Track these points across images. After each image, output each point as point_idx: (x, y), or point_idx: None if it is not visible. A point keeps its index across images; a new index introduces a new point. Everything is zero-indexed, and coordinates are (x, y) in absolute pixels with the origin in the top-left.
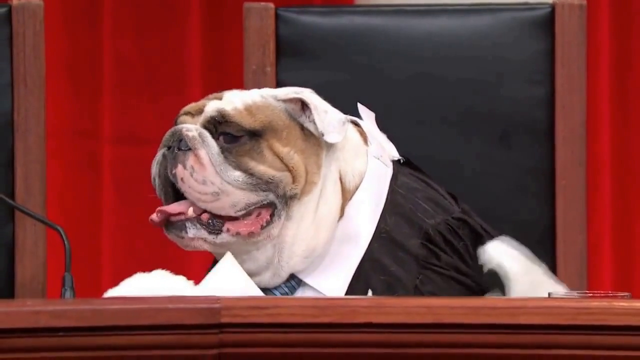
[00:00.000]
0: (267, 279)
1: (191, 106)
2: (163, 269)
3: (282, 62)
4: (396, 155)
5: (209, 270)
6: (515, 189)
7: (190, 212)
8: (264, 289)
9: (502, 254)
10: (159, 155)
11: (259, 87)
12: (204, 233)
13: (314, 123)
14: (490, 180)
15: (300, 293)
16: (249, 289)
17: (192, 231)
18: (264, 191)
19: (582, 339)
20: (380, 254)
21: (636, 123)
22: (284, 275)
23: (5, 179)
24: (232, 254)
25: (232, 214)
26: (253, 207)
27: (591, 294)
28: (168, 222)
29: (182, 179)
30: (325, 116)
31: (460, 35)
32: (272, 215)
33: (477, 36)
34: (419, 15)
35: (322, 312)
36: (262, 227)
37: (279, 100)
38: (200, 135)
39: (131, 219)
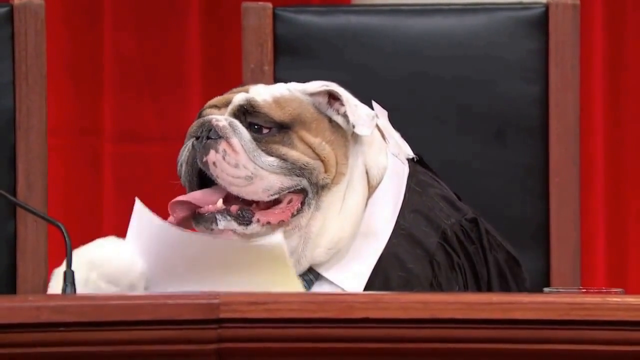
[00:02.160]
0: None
1: (217, 99)
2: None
3: (280, 60)
4: (411, 154)
5: None
6: (510, 186)
7: (220, 204)
8: None
9: None
10: (188, 145)
11: None
12: (233, 224)
13: (343, 116)
14: (486, 177)
15: (318, 287)
16: (164, 228)
17: (222, 223)
18: (297, 176)
19: (576, 334)
20: (399, 250)
21: (629, 121)
22: (305, 265)
23: (7, 176)
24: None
25: (265, 198)
26: (286, 191)
27: (585, 290)
28: (196, 215)
29: (214, 163)
30: (356, 109)
31: (455, 35)
32: (302, 204)
33: (472, 35)
34: (414, 14)
35: (320, 308)
36: (292, 216)
37: (306, 93)
38: (230, 124)
39: (131, 215)
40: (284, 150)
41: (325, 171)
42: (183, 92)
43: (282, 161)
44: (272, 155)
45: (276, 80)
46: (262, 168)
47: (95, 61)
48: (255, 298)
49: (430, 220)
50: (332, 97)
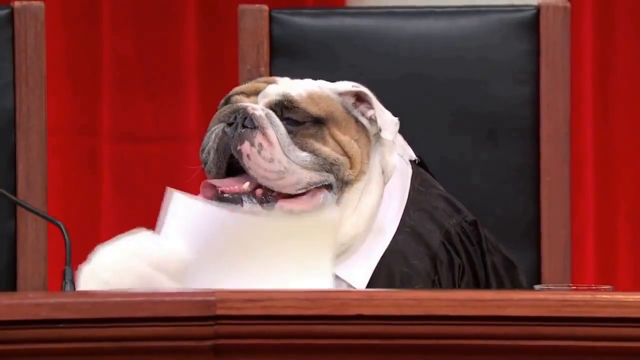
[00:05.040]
0: None
1: (245, 87)
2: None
3: (276, 62)
4: (413, 155)
5: None
6: (502, 185)
7: (246, 186)
8: None
9: None
10: (217, 130)
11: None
12: (257, 207)
13: (369, 118)
14: (477, 176)
15: None
16: (209, 210)
17: (248, 205)
18: (326, 172)
19: (566, 330)
20: (404, 247)
21: (618, 121)
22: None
23: (8, 175)
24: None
25: (293, 192)
26: (313, 186)
27: (574, 287)
28: (220, 196)
29: (248, 155)
30: (382, 114)
31: (448, 37)
32: (325, 197)
33: (464, 37)
34: (408, 17)
35: (314, 305)
36: (314, 207)
37: (336, 92)
38: (267, 115)
39: (129, 214)
40: (316, 145)
41: (351, 168)
42: (180, 93)
43: (314, 157)
44: (305, 150)
45: None
46: (294, 162)
47: (94, 62)
48: (251, 295)
49: (434, 219)
50: (359, 98)
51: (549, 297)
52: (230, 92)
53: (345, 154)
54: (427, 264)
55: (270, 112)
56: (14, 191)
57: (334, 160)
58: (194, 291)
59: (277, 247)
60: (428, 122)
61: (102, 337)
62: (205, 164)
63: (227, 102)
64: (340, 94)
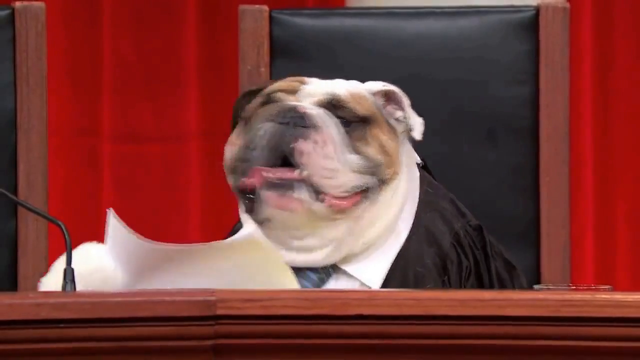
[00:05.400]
0: (320, 257)
1: (283, 84)
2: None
3: (276, 62)
4: (418, 158)
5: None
6: (501, 185)
7: (297, 173)
8: (296, 269)
9: None
10: (268, 128)
11: (254, 87)
12: (305, 195)
13: (398, 119)
14: (477, 176)
15: (334, 281)
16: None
17: (297, 192)
18: (370, 175)
19: (566, 330)
20: (418, 246)
21: (617, 122)
22: (342, 254)
23: (8, 175)
24: (298, 228)
25: (336, 193)
26: (355, 190)
27: (574, 287)
28: (270, 183)
29: (304, 152)
30: (412, 113)
31: (447, 37)
32: (363, 197)
33: (464, 38)
34: (407, 17)
35: (314, 305)
36: (353, 205)
37: (370, 92)
38: (321, 113)
39: (130, 214)
40: (363, 147)
41: (389, 167)
42: (180, 93)
43: (362, 159)
44: (354, 152)
45: None
46: (344, 164)
47: (94, 63)
48: (251, 295)
49: (445, 220)
50: (388, 97)
51: (548, 297)
52: (267, 90)
53: (385, 153)
54: (438, 263)
55: (324, 110)
56: (15, 191)
57: (378, 161)
58: (194, 291)
59: (218, 272)
60: (428, 122)
61: (103, 336)
62: (245, 161)
63: (267, 100)
64: (374, 94)
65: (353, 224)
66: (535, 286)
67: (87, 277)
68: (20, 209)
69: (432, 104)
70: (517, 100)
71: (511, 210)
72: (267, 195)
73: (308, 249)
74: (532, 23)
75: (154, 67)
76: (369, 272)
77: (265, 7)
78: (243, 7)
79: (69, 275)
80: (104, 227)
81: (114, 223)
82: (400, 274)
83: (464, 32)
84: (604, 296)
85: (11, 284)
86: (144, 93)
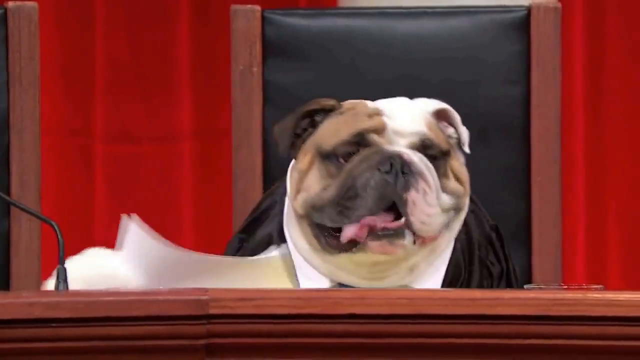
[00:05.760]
0: (392, 283)
1: (371, 124)
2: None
3: (269, 62)
4: None
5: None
6: (493, 184)
7: (404, 221)
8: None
9: None
10: (377, 178)
11: (247, 86)
12: (409, 241)
13: (450, 136)
14: (469, 176)
15: None
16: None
17: (407, 238)
18: (454, 210)
19: (557, 329)
20: (462, 255)
21: (609, 121)
22: (412, 279)
23: (1, 175)
24: (388, 268)
25: (429, 234)
26: (443, 228)
27: (565, 286)
28: (381, 233)
29: (414, 202)
30: (462, 128)
31: (440, 37)
32: (444, 228)
33: (456, 38)
34: (400, 17)
35: (307, 304)
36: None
37: (431, 114)
38: (420, 160)
39: (123, 213)
40: (446, 183)
41: (465, 197)
42: (173, 93)
43: (450, 197)
44: (444, 192)
45: (265, 81)
46: (440, 206)
47: (87, 63)
48: (244, 294)
49: (478, 220)
50: (440, 115)
51: (540, 296)
52: (361, 130)
53: (460, 182)
54: (476, 267)
55: (422, 156)
56: (8, 191)
57: (460, 194)
58: (187, 290)
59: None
60: None
61: (96, 336)
62: (346, 207)
63: (359, 142)
64: (431, 114)
65: (432, 249)
66: (527, 285)
67: (96, 283)
68: (13, 209)
69: None
70: (508, 100)
71: (503, 209)
72: (373, 245)
73: (382, 278)
74: (523, 23)
75: (147, 67)
76: (430, 284)
77: (258, 7)
78: (235, 7)
79: (61, 274)
80: (98, 226)
81: (135, 230)
82: (449, 282)
83: (455, 32)
84: (595, 295)
85: (4, 284)
86: (136, 93)
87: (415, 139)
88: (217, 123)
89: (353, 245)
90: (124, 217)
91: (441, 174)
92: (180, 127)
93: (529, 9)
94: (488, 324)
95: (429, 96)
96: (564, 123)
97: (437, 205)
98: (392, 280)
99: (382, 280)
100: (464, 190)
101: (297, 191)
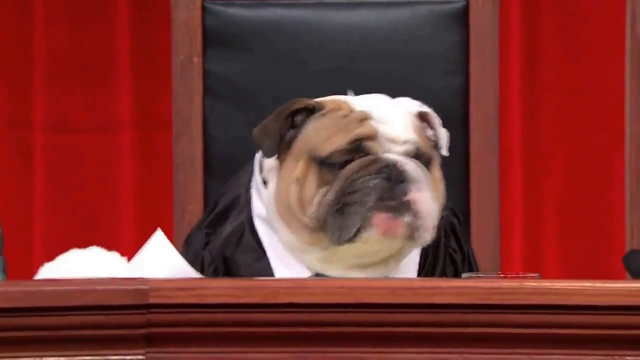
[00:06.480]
0: (375, 274)
1: (365, 132)
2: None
3: (209, 52)
4: None
5: None
6: None
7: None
8: None
9: None
10: (377, 184)
11: (187, 76)
12: (410, 220)
13: (429, 137)
14: None
15: None
16: (180, 266)
17: (408, 217)
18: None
19: (495, 317)
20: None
21: (545, 112)
22: (390, 270)
23: None
24: (392, 256)
25: (428, 235)
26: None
27: (502, 275)
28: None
29: (416, 201)
30: (442, 130)
31: (379, 28)
32: None
33: (395, 29)
34: (340, 8)
35: (246, 293)
36: None
37: (413, 114)
38: (416, 167)
39: (62, 204)
40: (434, 193)
41: (442, 206)
42: (113, 84)
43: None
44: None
45: (205, 71)
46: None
47: (25, 52)
48: (184, 284)
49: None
50: (423, 118)
51: (477, 284)
52: (356, 137)
53: (437, 189)
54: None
55: (418, 164)
56: None
57: (440, 205)
58: (126, 279)
59: None
60: None
61: (35, 325)
62: (337, 203)
63: (357, 149)
64: (414, 115)
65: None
66: (464, 274)
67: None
68: None
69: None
70: (447, 91)
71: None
72: (378, 218)
73: (368, 266)
74: (462, 14)
75: (86, 57)
76: (409, 274)
77: None
78: None
79: (0, 265)
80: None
81: (159, 236)
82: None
83: (395, 24)
84: (531, 284)
85: None
86: (76, 83)
87: (410, 147)
88: (157, 113)
89: (355, 235)
90: (159, 232)
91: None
92: (120, 117)
93: (467, 1)
94: (426, 313)
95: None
96: (502, 114)
97: (432, 204)
98: (375, 270)
99: (365, 269)
100: (440, 201)
101: (302, 205)
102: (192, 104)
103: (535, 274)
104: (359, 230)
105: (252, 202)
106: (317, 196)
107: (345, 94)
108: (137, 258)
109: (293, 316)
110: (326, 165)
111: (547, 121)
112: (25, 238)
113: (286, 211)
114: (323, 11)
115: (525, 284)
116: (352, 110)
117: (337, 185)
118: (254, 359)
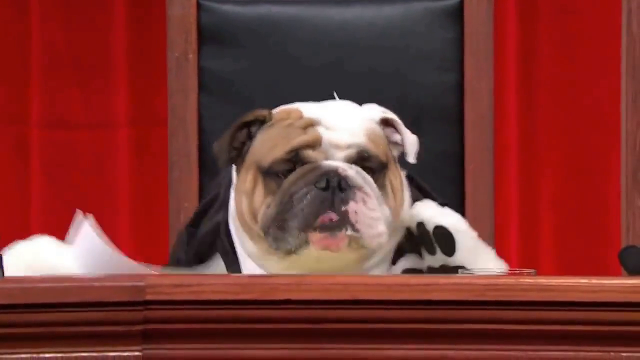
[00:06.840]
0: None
1: (305, 140)
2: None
3: (204, 49)
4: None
5: None
6: (427, 172)
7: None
8: None
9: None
10: (313, 194)
11: (182, 73)
12: (352, 234)
13: (396, 142)
14: (403, 163)
15: None
16: (113, 257)
17: (348, 230)
18: (392, 231)
19: (491, 314)
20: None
21: (541, 109)
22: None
23: None
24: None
25: (378, 240)
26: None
27: (499, 272)
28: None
29: (355, 212)
30: (408, 136)
31: (374, 25)
32: None
33: (390, 25)
34: (334, 5)
35: (243, 290)
36: None
37: (375, 122)
38: (357, 172)
39: (59, 200)
40: (384, 196)
41: (397, 216)
42: (109, 80)
43: (389, 213)
44: (383, 204)
45: (200, 68)
46: (381, 213)
47: (22, 48)
48: (180, 280)
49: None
50: (386, 123)
51: (473, 281)
52: (294, 146)
53: (395, 197)
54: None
55: (359, 169)
56: None
57: (393, 212)
58: (123, 276)
59: None
60: None
61: (32, 322)
62: (283, 221)
63: (293, 159)
64: (378, 123)
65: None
66: (461, 271)
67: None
68: None
69: (358, 92)
70: (442, 88)
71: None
72: (315, 237)
73: (330, 271)
74: (457, 11)
75: (83, 53)
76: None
77: None
78: None
79: None
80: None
81: (87, 229)
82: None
83: (390, 20)
84: (527, 280)
85: None
86: (72, 79)
87: (352, 152)
88: (153, 110)
89: (295, 250)
90: (79, 213)
91: (380, 185)
92: (117, 114)
93: None
94: (423, 309)
95: (362, 84)
96: (497, 111)
97: (380, 211)
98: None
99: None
100: (396, 209)
101: (253, 216)
102: (187, 100)
103: (532, 271)
104: (299, 245)
105: (230, 202)
106: (262, 207)
107: (340, 90)
108: (72, 250)
109: (290, 313)
110: (270, 175)
111: (542, 118)
112: (22, 234)
113: (244, 222)
114: (318, 8)
115: (521, 280)
116: (300, 118)
117: (277, 198)
118: (251, 355)
